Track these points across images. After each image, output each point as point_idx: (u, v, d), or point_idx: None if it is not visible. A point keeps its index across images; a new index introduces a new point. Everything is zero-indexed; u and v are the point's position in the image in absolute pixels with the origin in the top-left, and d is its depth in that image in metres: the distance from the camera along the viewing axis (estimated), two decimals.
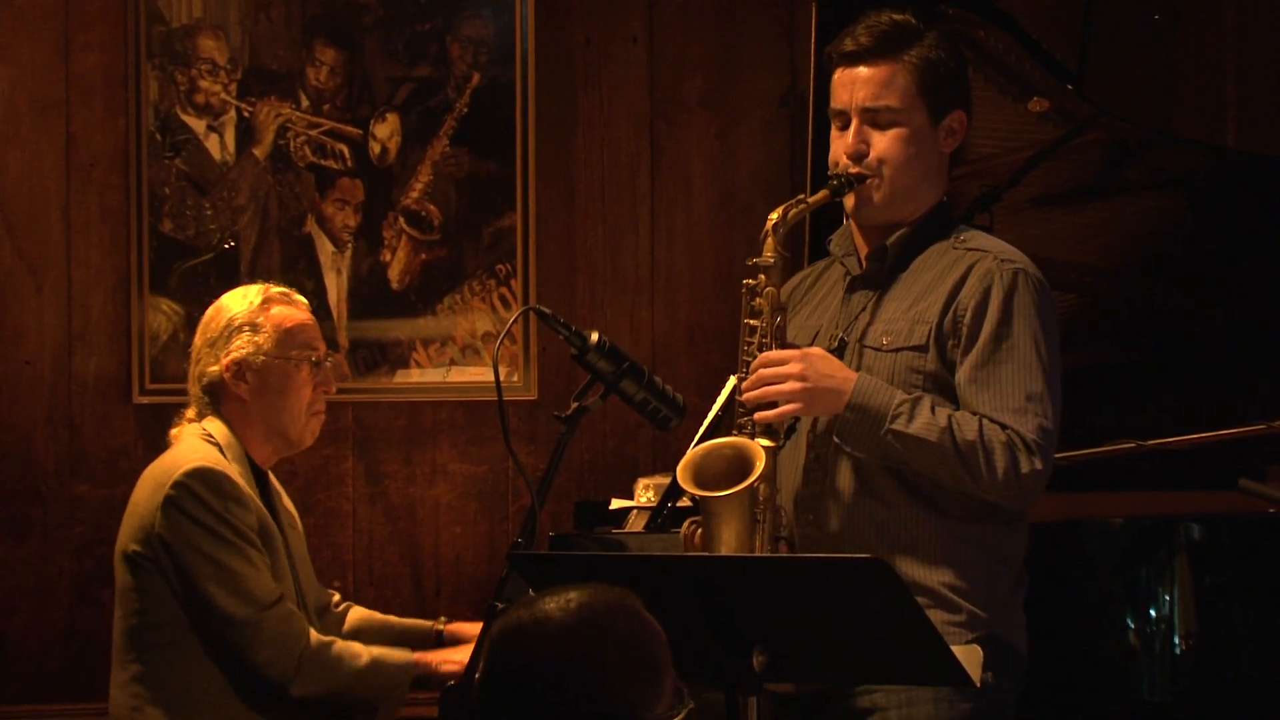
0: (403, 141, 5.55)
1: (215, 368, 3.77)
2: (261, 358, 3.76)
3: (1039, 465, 3.25)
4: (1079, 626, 3.55)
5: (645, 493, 4.68)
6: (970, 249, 3.39)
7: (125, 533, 3.73)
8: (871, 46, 3.39)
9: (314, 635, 3.68)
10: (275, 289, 3.86)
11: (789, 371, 3.28)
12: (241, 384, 3.77)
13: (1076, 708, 3.53)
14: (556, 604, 2.33)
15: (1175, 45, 5.76)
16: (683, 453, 4.33)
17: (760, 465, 3.23)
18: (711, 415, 4.29)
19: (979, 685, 3.02)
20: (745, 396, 3.33)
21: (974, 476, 3.24)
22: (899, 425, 3.25)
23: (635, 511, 4.60)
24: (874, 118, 3.39)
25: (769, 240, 3.38)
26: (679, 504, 4.34)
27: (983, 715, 3.30)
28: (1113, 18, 5.29)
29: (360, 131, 5.54)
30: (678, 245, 5.66)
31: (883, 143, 3.39)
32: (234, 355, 3.76)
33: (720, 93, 5.66)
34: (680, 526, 4.19)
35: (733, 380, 4.21)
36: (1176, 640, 4.15)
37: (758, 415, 3.30)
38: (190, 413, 3.84)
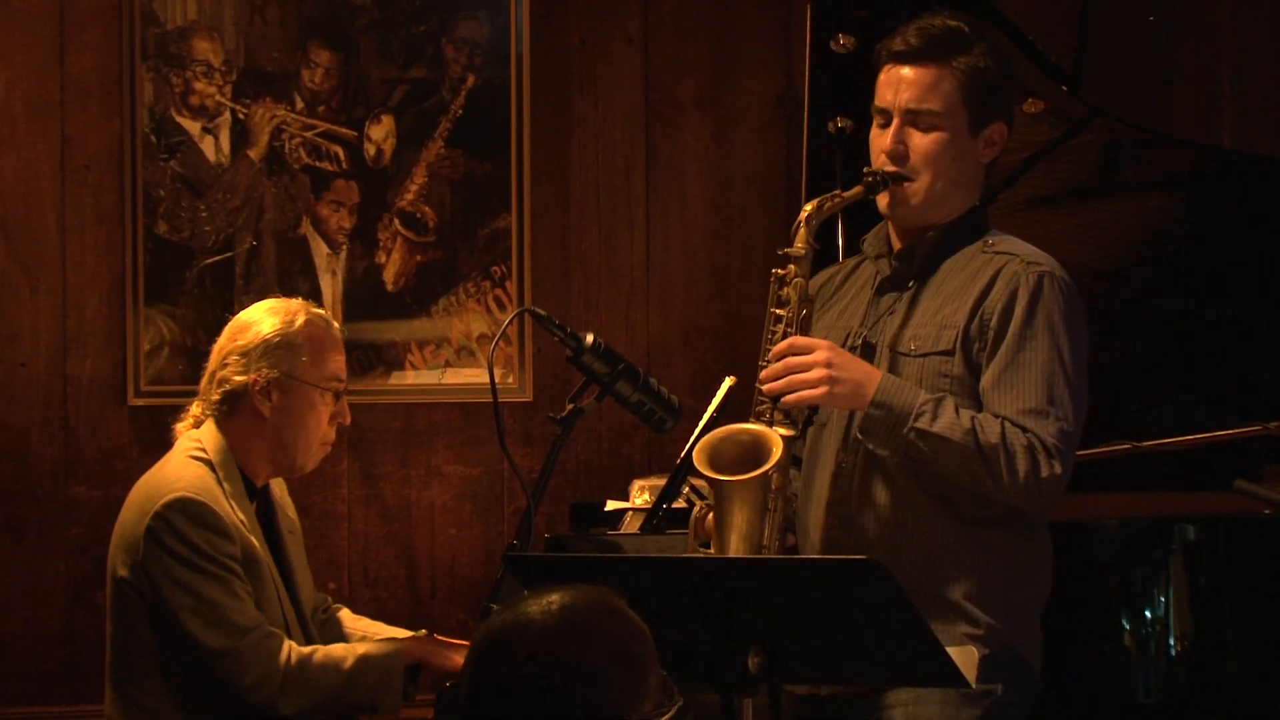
0: (398, 143, 5.55)
1: (243, 378, 3.71)
2: (293, 380, 3.73)
3: (1058, 470, 3.25)
4: (1074, 628, 3.55)
5: (640, 494, 4.68)
6: (998, 252, 3.40)
7: (114, 553, 3.69)
8: (920, 48, 3.39)
9: (295, 650, 3.64)
10: (315, 310, 3.81)
11: (816, 359, 3.28)
12: (266, 401, 3.71)
13: (1072, 710, 3.53)
14: (538, 606, 2.32)
15: (1172, 46, 5.77)
16: (678, 455, 4.35)
17: (776, 453, 3.23)
18: (707, 416, 4.28)
19: (973, 686, 3.01)
20: (768, 386, 3.31)
21: (994, 478, 3.25)
22: (923, 423, 3.25)
23: (630, 513, 4.60)
24: (915, 119, 3.39)
25: (801, 231, 3.37)
26: (674, 505, 4.34)
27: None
28: (1109, 18, 5.29)
29: (355, 133, 5.54)
30: (673, 247, 5.66)
31: (922, 145, 3.39)
32: (266, 371, 3.72)
33: (716, 94, 5.66)
34: (676, 528, 4.23)
35: (729, 381, 4.23)
36: (1172, 641, 4.15)
37: (786, 399, 3.29)
38: (196, 409, 3.80)
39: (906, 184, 3.40)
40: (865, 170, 3.43)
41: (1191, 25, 5.75)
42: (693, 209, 5.66)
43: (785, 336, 3.34)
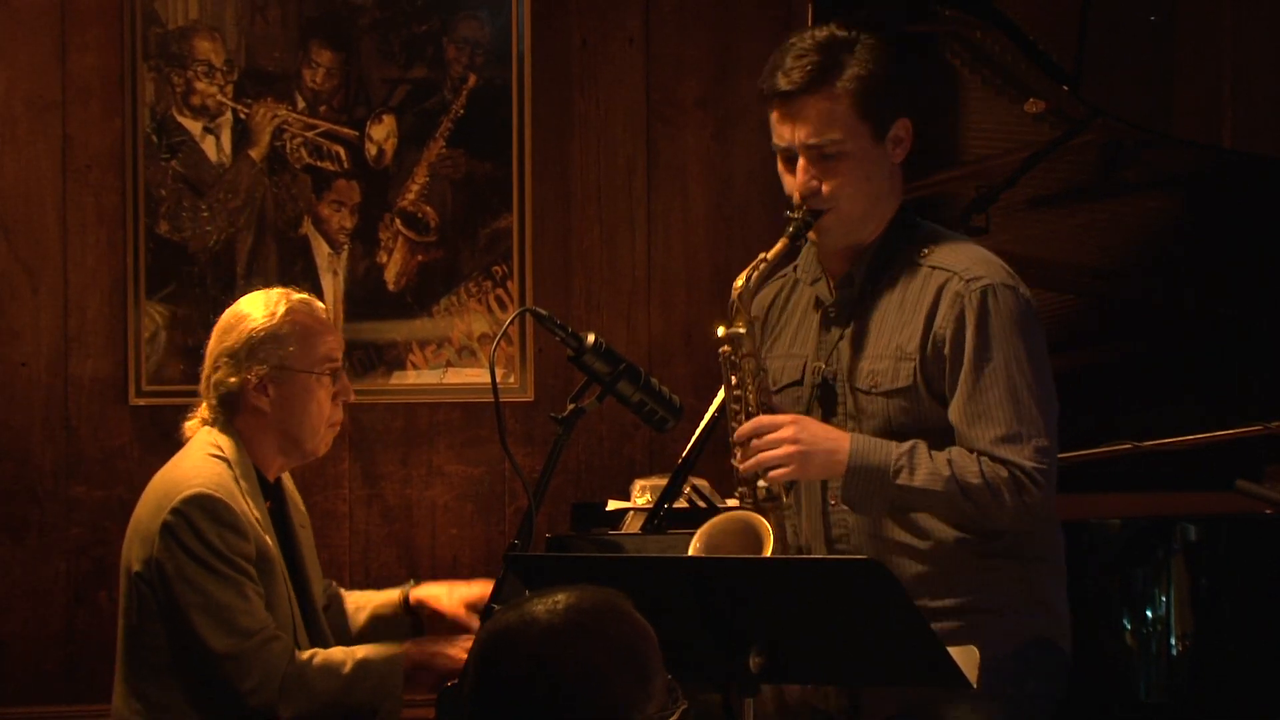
0: (399, 143, 5.55)
1: (235, 379, 3.69)
2: (285, 370, 3.70)
3: (1041, 492, 3.26)
4: (1075, 628, 3.54)
5: (642, 494, 4.67)
6: (935, 267, 3.35)
7: (129, 548, 3.68)
8: (803, 83, 3.32)
9: (296, 655, 3.63)
10: (296, 296, 3.77)
11: (783, 436, 3.27)
12: (263, 397, 3.69)
13: (1073, 710, 3.52)
14: (544, 606, 2.31)
15: (1172, 46, 5.76)
16: (679, 455, 4.34)
17: (770, 540, 3.23)
18: (708, 417, 4.28)
19: (975, 686, 3.01)
20: (742, 467, 3.31)
21: (983, 514, 3.26)
22: (902, 480, 3.24)
23: (632, 513, 4.60)
24: (819, 152, 3.32)
25: (739, 312, 3.34)
26: (675, 505, 4.34)
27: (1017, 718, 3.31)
28: (1109, 18, 5.29)
29: (356, 133, 5.54)
30: (674, 246, 5.66)
31: (833, 176, 3.33)
32: (257, 370, 3.68)
33: (717, 93, 5.66)
34: (677, 528, 4.23)
35: None
36: (1173, 641, 4.15)
37: (769, 475, 3.28)
38: (204, 412, 3.77)
39: (827, 216, 3.34)
40: (785, 215, 3.36)
41: (1191, 25, 5.75)
42: (694, 208, 5.66)
43: (749, 418, 3.33)
